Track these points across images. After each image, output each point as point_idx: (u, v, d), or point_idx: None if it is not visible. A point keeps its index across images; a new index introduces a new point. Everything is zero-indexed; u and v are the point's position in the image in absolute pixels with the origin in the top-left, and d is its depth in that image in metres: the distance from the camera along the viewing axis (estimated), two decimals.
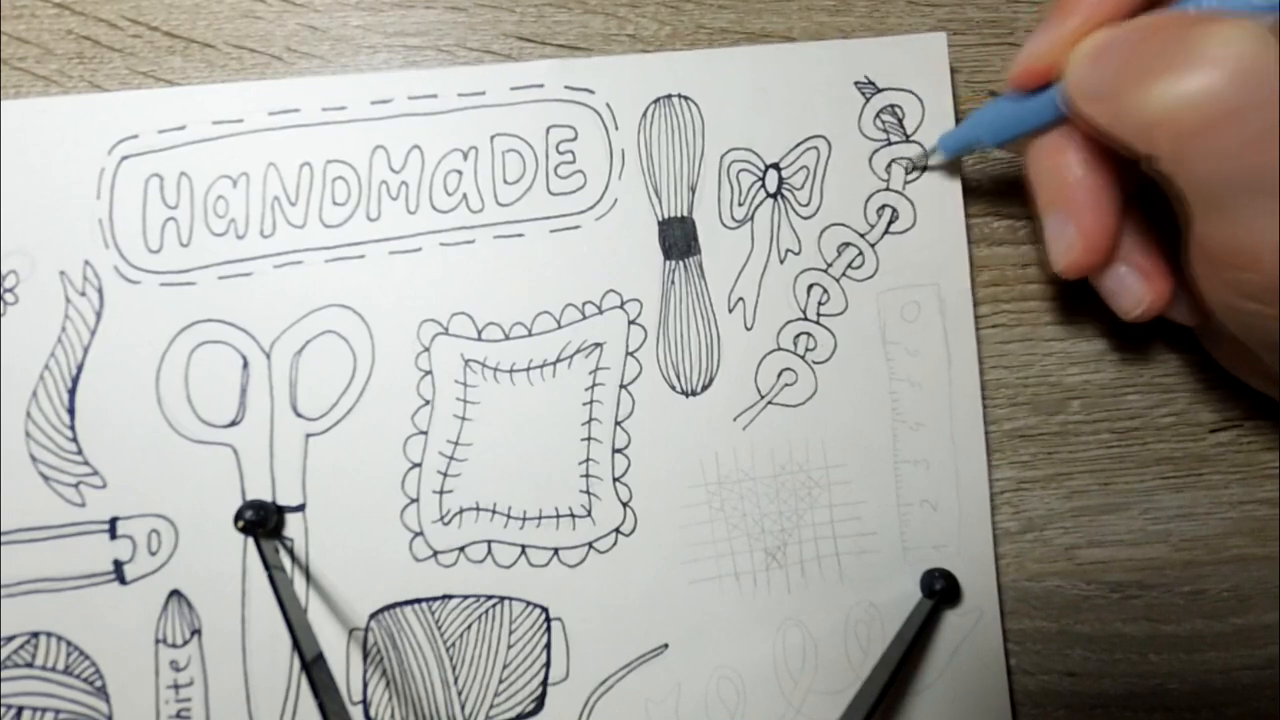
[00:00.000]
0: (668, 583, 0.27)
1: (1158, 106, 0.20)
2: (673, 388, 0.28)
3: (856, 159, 0.28)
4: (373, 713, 0.27)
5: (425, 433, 0.27)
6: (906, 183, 0.28)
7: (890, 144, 0.28)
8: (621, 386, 0.28)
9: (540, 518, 0.27)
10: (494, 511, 0.27)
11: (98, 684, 0.26)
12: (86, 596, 0.26)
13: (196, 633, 0.26)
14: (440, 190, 0.27)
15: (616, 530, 0.27)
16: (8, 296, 0.26)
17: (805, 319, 0.28)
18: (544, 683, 0.27)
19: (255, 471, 0.27)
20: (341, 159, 0.27)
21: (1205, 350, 0.28)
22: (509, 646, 0.27)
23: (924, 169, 0.28)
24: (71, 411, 0.26)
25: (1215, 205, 0.21)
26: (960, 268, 0.28)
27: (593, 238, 0.28)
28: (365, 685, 0.27)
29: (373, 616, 0.27)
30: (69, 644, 0.26)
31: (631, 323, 0.28)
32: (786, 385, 0.28)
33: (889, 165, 0.28)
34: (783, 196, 0.28)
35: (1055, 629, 0.28)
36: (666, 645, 0.27)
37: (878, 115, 0.28)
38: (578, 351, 0.28)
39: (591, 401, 0.27)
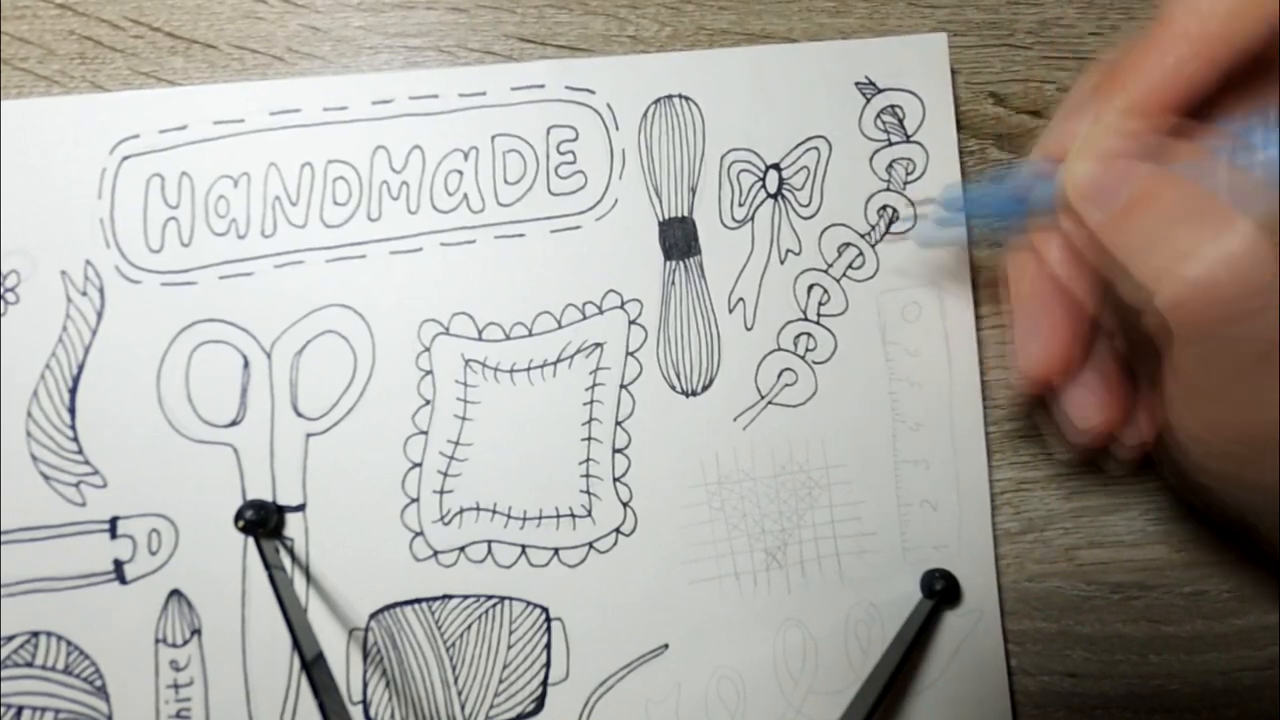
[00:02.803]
0: (668, 583, 0.27)
1: (1157, 273, 0.19)
2: (673, 388, 0.28)
3: (857, 159, 0.28)
4: (373, 713, 0.27)
5: (426, 432, 0.27)
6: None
7: (891, 144, 0.28)
8: (622, 386, 0.28)
9: (540, 518, 0.27)
10: (494, 511, 0.27)
11: (98, 684, 0.26)
12: (86, 596, 0.26)
13: (196, 633, 0.26)
14: (441, 190, 0.27)
15: (617, 530, 0.27)
16: (9, 296, 0.26)
17: (805, 319, 0.28)
18: (544, 683, 0.27)
19: (255, 471, 0.27)
20: (342, 159, 0.27)
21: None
22: (509, 646, 0.27)
23: (921, 204, 0.27)
24: (72, 411, 0.26)
25: (1209, 370, 0.20)
26: (961, 268, 0.28)
27: (593, 238, 0.28)
28: (365, 685, 0.27)
29: (373, 616, 0.27)
30: (69, 644, 0.26)
31: (632, 323, 0.28)
32: (786, 385, 0.28)
33: (889, 166, 0.28)
34: (783, 197, 0.28)
35: (1055, 630, 0.28)
36: (666, 645, 0.27)
37: (878, 116, 0.28)
38: (578, 351, 0.28)
39: (592, 401, 0.27)
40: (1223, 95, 0.21)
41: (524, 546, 0.27)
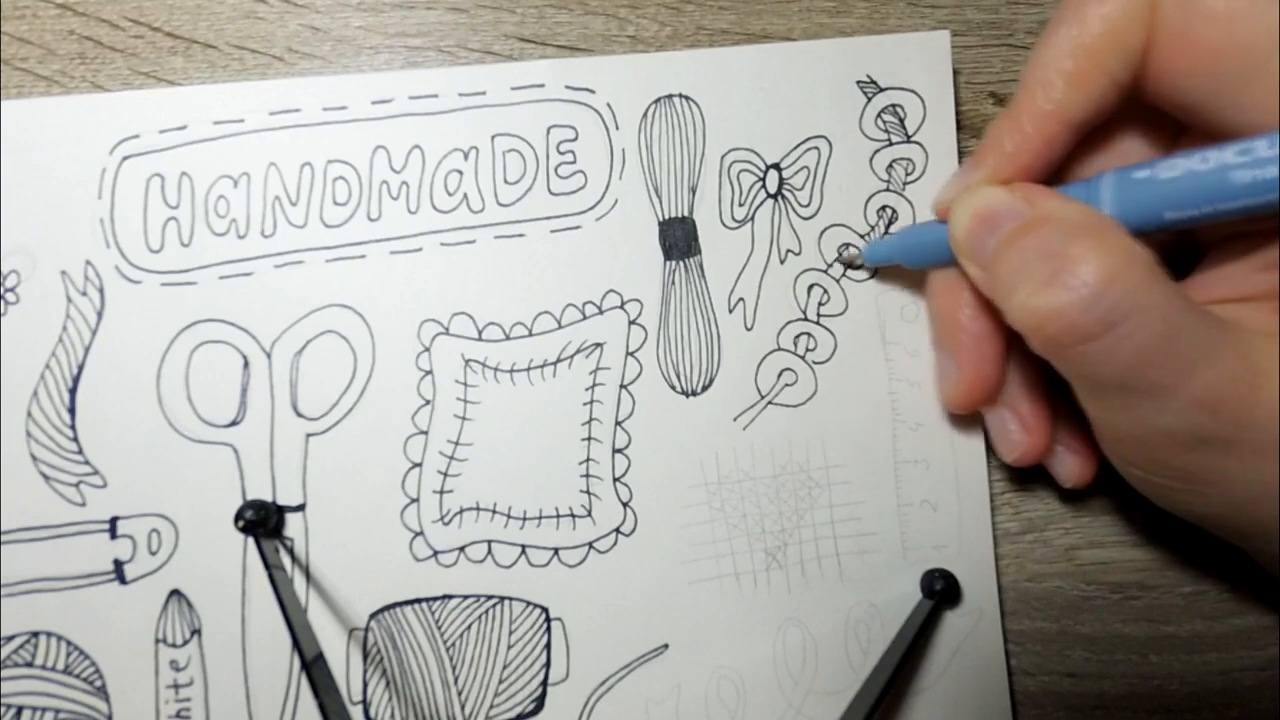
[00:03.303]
0: (668, 583, 0.27)
1: (1021, 308, 0.21)
2: (673, 388, 0.28)
3: (857, 159, 0.28)
4: (373, 713, 0.27)
5: (426, 432, 0.27)
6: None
7: (891, 144, 0.28)
8: (622, 386, 0.28)
9: (540, 518, 0.27)
10: (494, 511, 0.27)
11: (98, 684, 0.26)
12: (86, 596, 0.26)
13: (196, 633, 0.26)
14: (441, 190, 0.27)
15: (617, 530, 0.27)
16: (9, 296, 0.26)
17: (805, 319, 0.28)
18: (544, 683, 0.27)
19: (255, 471, 0.27)
20: (342, 159, 0.27)
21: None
22: (509, 646, 0.27)
23: (851, 267, 0.28)
24: (72, 411, 0.26)
25: (1094, 397, 0.21)
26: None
27: (593, 238, 0.28)
28: (365, 685, 0.27)
29: (373, 616, 0.27)
30: (69, 644, 0.26)
31: (632, 323, 0.28)
32: (786, 385, 0.28)
33: (889, 166, 0.28)
34: (783, 197, 0.28)
35: (1056, 630, 0.28)
36: (666, 645, 0.27)
37: (879, 115, 0.28)
38: (578, 351, 0.28)
39: (592, 401, 0.27)
40: (1080, 157, 0.24)
41: (524, 546, 0.27)
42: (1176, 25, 0.21)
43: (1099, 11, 0.22)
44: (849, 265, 0.28)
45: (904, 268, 0.27)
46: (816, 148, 0.28)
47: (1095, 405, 0.22)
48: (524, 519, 0.27)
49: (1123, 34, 0.21)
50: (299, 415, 0.27)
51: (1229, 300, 0.22)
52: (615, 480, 0.27)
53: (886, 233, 0.28)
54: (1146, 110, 0.23)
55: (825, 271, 0.28)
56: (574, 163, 0.28)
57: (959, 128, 0.28)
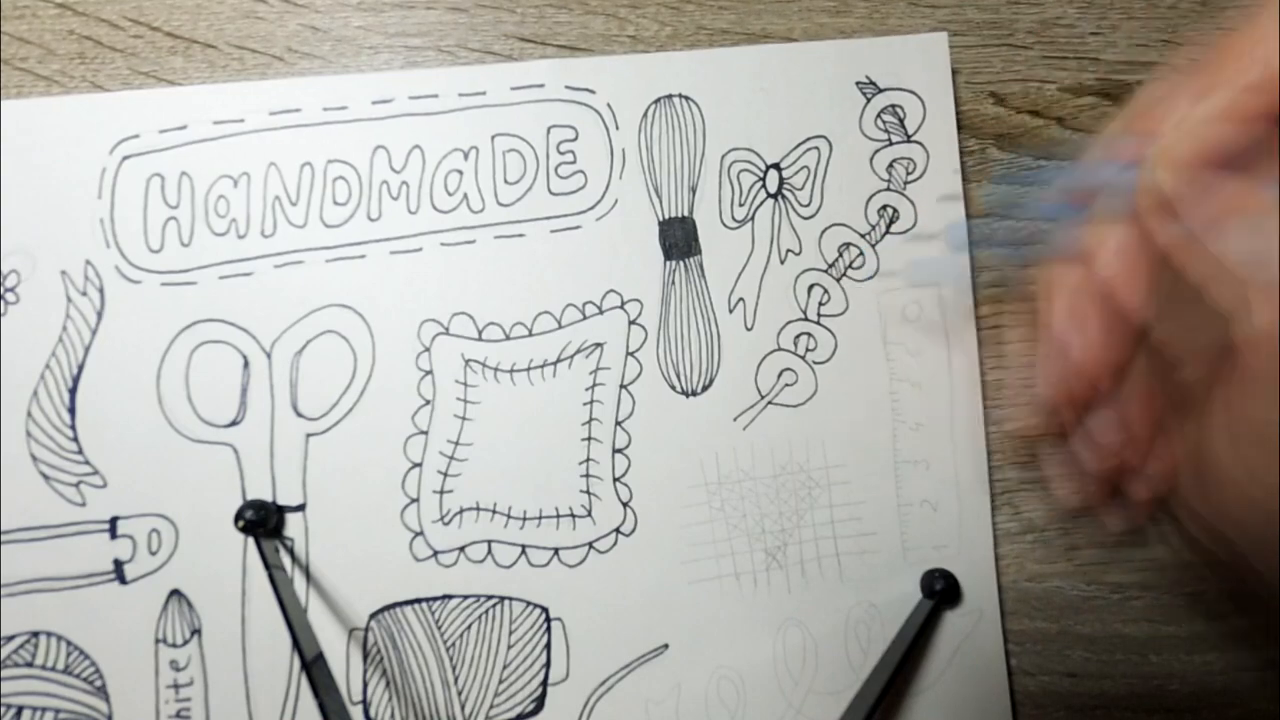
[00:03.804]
0: (668, 583, 0.27)
1: (1262, 309, 0.17)
2: (673, 388, 0.28)
3: (857, 159, 0.28)
4: (373, 713, 0.27)
5: (426, 433, 0.27)
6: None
7: (891, 144, 0.28)
8: (622, 386, 0.28)
9: (540, 518, 0.27)
10: (494, 511, 0.27)
11: (98, 684, 0.26)
12: (86, 596, 0.26)
13: (196, 633, 0.26)
14: (441, 190, 0.27)
15: (617, 530, 0.27)
16: (9, 296, 0.26)
17: (805, 319, 0.28)
18: (544, 683, 0.27)
19: (255, 471, 0.27)
20: (342, 159, 0.27)
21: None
22: (509, 646, 0.27)
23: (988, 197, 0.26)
24: (72, 411, 0.26)
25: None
26: (961, 268, 0.28)
27: (593, 238, 0.28)
28: (365, 685, 0.27)
29: (373, 616, 0.27)
30: (69, 644, 0.26)
31: (632, 323, 0.28)
32: (786, 385, 0.28)
33: (890, 166, 0.28)
34: (783, 197, 0.28)
35: (1056, 629, 0.28)
36: (666, 645, 0.27)
37: (879, 115, 0.28)
38: (578, 351, 0.28)
39: (592, 401, 0.27)
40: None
41: (524, 546, 0.27)
42: None
43: None
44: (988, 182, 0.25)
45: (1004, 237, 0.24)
46: (816, 148, 0.28)
47: (1258, 422, 0.18)
48: (524, 519, 0.27)
49: None
50: (299, 415, 0.27)
51: None
52: (615, 480, 0.27)
53: (888, 232, 0.28)
54: None
55: (825, 271, 0.28)
56: (574, 163, 0.28)
57: (959, 127, 0.28)
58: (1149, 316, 0.21)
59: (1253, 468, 0.20)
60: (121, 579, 0.26)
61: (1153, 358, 0.22)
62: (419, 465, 0.27)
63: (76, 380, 0.26)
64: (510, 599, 0.27)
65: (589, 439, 0.27)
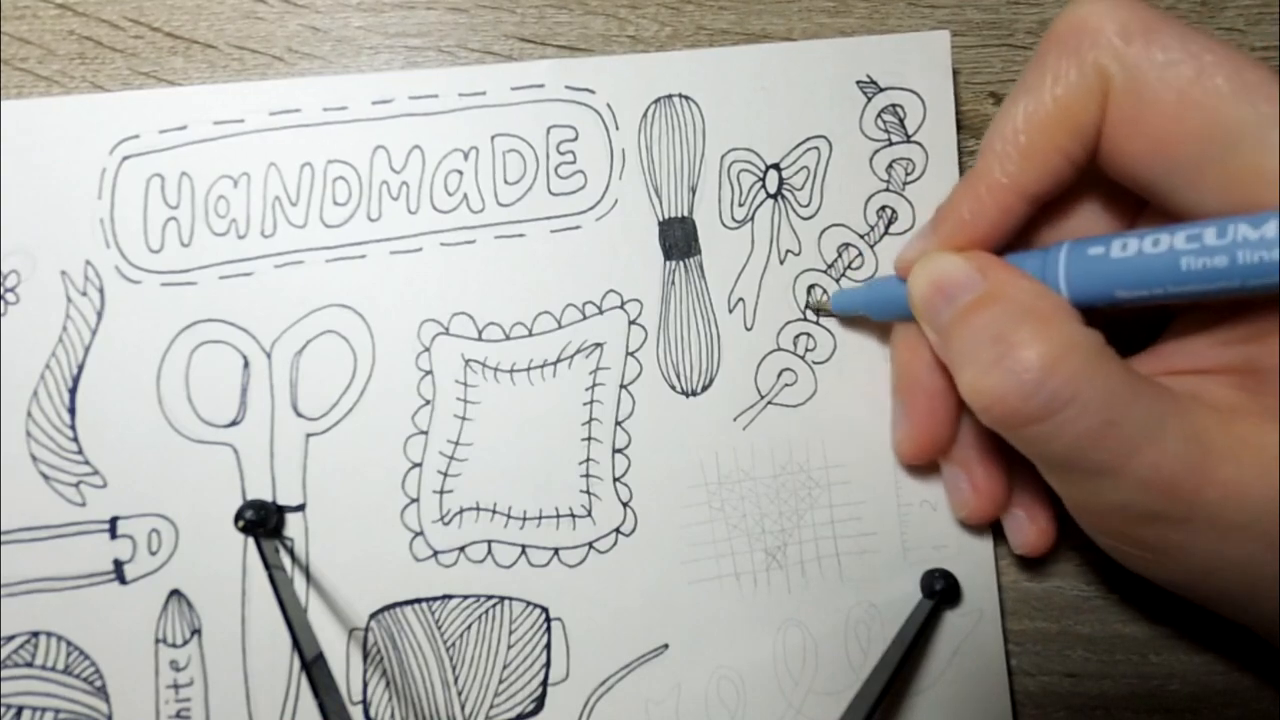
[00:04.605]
0: (668, 583, 0.27)
1: (969, 386, 0.21)
2: (673, 388, 0.28)
3: (857, 159, 0.28)
4: (373, 713, 0.27)
5: (426, 432, 0.27)
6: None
7: (891, 144, 0.28)
8: (622, 386, 0.28)
9: (540, 518, 0.27)
10: (494, 511, 0.27)
11: (98, 684, 0.26)
12: (86, 596, 0.26)
13: (196, 633, 0.26)
14: (441, 190, 0.27)
15: (617, 530, 0.27)
16: (9, 296, 0.26)
17: (805, 319, 0.28)
18: (544, 683, 0.27)
19: (255, 471, 0.27)
20: (342, 159, 0.27)
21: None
22: (509, 646, 0.27)
23: (818, 312, 0.28)
24: (72, 411, 0.26)
25: (1048, 471, 0.22)
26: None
27: (593, 238, 0.28)
28: (365, 685, 0.27)
29: (373, 616, 0.27)
30: (69, 644, 0.26)
31: (632, 323, 0.28)
32: (786, 385, 0.28)
33: (889, 166, 0.28)
34: (783, 197, 0.28)
35: (1056, 629, 0.28)
36: (666, 645, 0.27)
37: (879, 115, 0.28)
38: (578, 351, 0.28)
39: (592, 401, 0.27)
40: (1040, 225, 0.24)
41: (524, 546, 0.27)
42: (1128, 112, 0.21)
43: (1052, 90, 0.21)
44: (817, 310, 0.28)
45: (870, 319, 0.27)
46: (816, 148, 0.28)
47: (1051, 478, 0.22)
48: (524, 519, 0.27)
49: (1075, 114, 0.21)
50: (299, 415, 0.27)
51: (1190, 372, 0.22)
52: (615, 480, 0.27)
53: (887, 232, 0.28)
54: (1110, 180, 0.23)
55: (825, 271, 0.28)
56: (574, 163, 0.28)
57: (959, 128, 0.28)
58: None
59: (1101, 544, 0.23)
60: (121, 579, 0.26)
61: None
62: (419, 465, 0.27)
63: (76, 380, 0.26)
64: (510, 599, 0.27)
65: (589, 439, 0.27)
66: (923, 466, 0.28)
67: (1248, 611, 0.22)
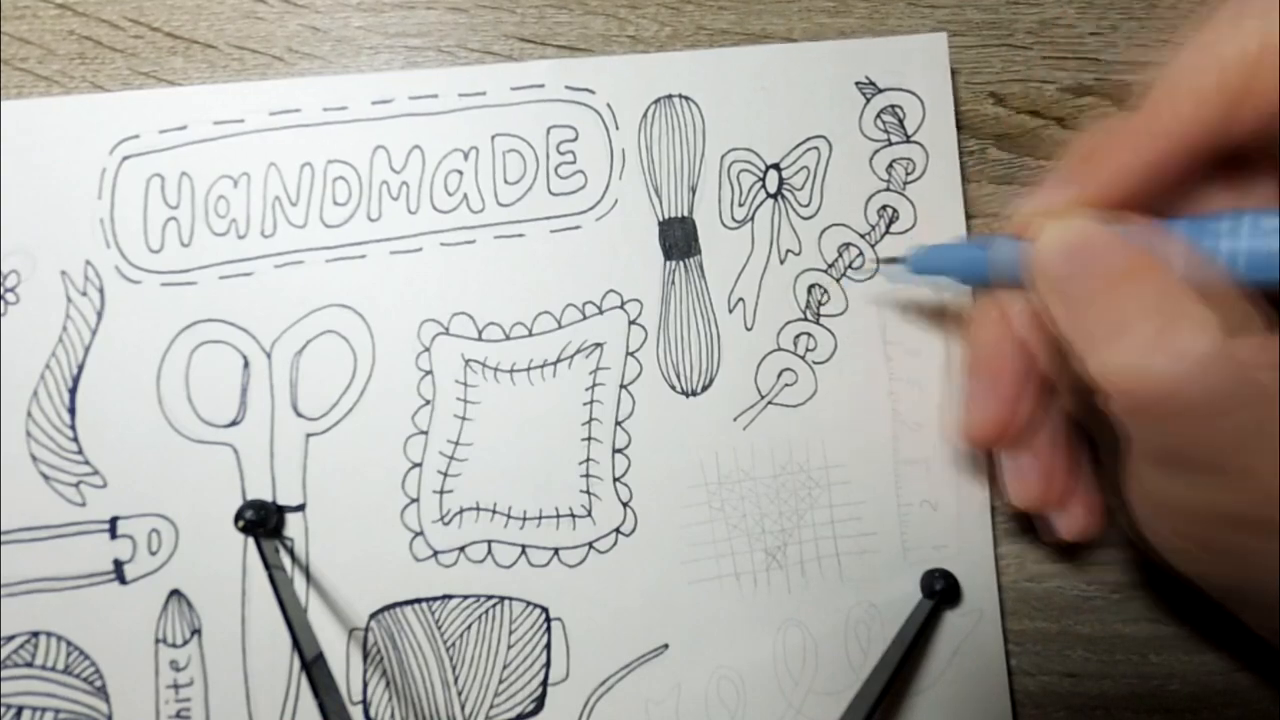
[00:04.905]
0: (668, 583, 0.27)
1: (1114, 366, 0.18)
2: (673, 388, 0.28)
3: (857, 159, 0.28)
4: (373, 713, 0.27)
5: (426, 432, 0.27)
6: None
7: (891, 144, 0.28)
8: (622, 386, 0.28)
9: (540, 518, 0.27)
10: (494, 511, 0.27)
11: (98, 684, 0.26)
12: (86, 596, 0.26)
13: (196, 633, 0.26)
14: (441, 190, 0.27)
15: (617, 530, 0.27)
16: (9, 296, 0.26)
17: (805, 319, 0.28)
18: (544, 683, 0.27)
19: (255, 471, 0.27)
20: (342, 159, 0.27)
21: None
22: (509, 646, 0.27)
23: (891, 268, 0.26)
24: (72, 411, 0.26)
25: (1155, 465, 0.20)
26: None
27: (593, 238, 0.28)
28: (365, 685, 0.27)
29: (373, 616, 0.27)
30: (69, 644, 0.26)
31: (632, 323, 0.28)
32: (786, 385, 0.28)
33: (889, 166, 0.28)
34: (783, 197, 0.28)
35: (1056, 629, 0.28)
36: (666, 645, 0.27)
37: (878, 116, 0.28)
38: (578, 351, 0.28)
39: (592, 401, 0.28)
40: (1204, 188, 0.21)
41: (524, 546, 0.27)
42: None
43: (1257, 26, 0.18)
44: (890, 262, 0.26)
45: (947, 281, 0.25)
46: (816, 148, 0.28)
47: (1151, 473, 0.20)
48: (524, 519, 0.27)
49: (1266, 65, 0.18)
50: (299, 415, 0.27)
51: None
52: (615, 480, 0.27)
53: (887, 232, 0.28)
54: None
55: (825, 271, 0.28)
56: (574, 163, 0.28)
57: (959, 127, 0.28)
58: (1059, 375, 0.22)
59: (1160, 540, 0.22)
60: (121, 579, 0.26)
61: (1070, 407, 0.23)
62: (419, 465, 0.27)
63: (76, 380, 0.26)
64: (510, 599, 0.27)
65: (589, 439, 0.27)
66: (921, 468, 0.28)
67: None
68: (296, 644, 0.23)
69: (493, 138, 0.27)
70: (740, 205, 0.28)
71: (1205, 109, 0.19)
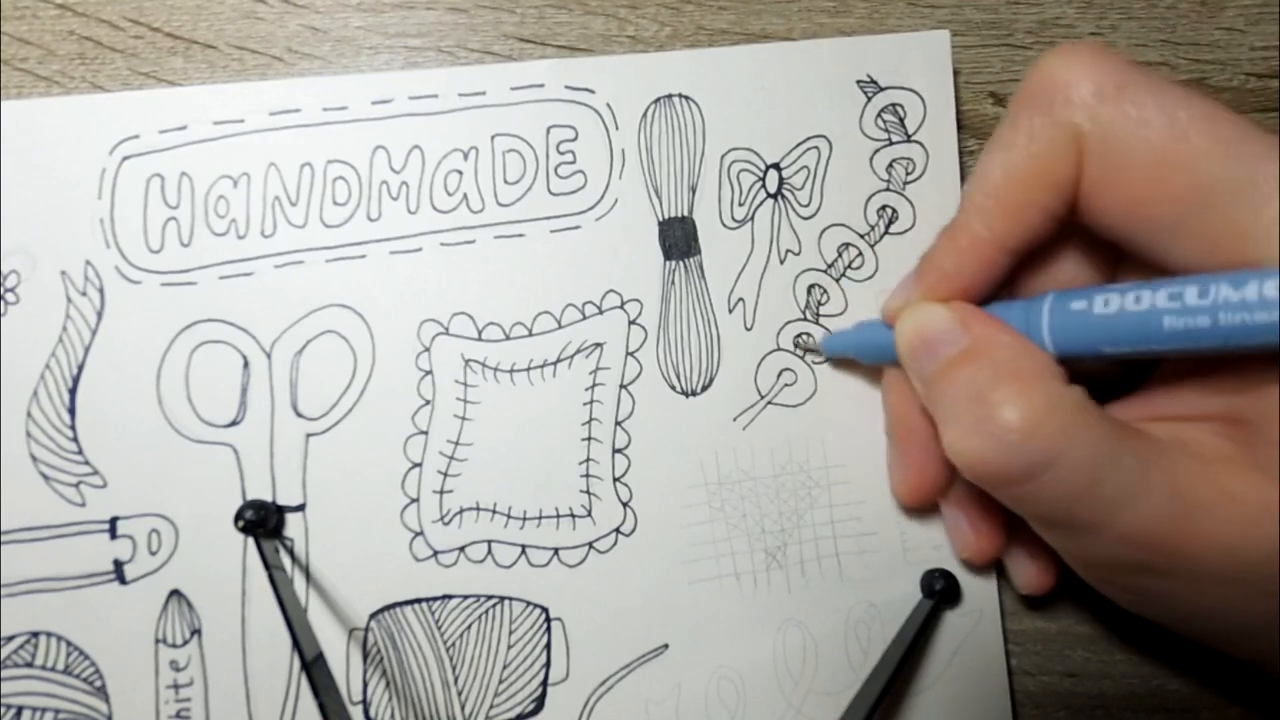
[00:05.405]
0: (668, 583, 0.27)
1: (953, 450, 0.21)
2: (673, 388, 0.28)
3: (857, 159, 0.28)
4: (373, 713, 0.27)
5: (425, 432, 0.27)
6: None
7: (891, 144, 0.28)
8: (622, 386, 0.28)
9: (540, 518, 0.27)
10: (494, 511, 0.27)
11: (98, 684, 0.26)
12: (86, 596, 0.26)
13: (196, 633, 0.26)
14: (441, 190, 0.27)
15: (617, 530, 0.27)
16: (9, 296, 0.26)
17: (805, 319, 0.28)
18: (544, 683, 0.27)
19: (255, 471, 0.27)
20: (342, 159, 0.27)
21: None
22: (509, 646, 0.27)
23: (809, 351, 0.28)
24: (72, 411, 0.26)
25: (1042, 525, 0.22)
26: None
27: (593, 238, 0.28)
28: (365, 685, 0.27)
29: (373, 616, 0.27)
30: (69, 644, 0.26)
31: (632, 323, 0.28)
32: (786, 385, 0.28)
33: (889, 166, 0.28)
34: (783, 197, 0.28)
35: (1056, 629, 0.28)
36: (666, 645, 0.27)
37: (879, 114, 0.28)
38: (578, 351, 0.28)
39: (592, 401, 0.27)
40: (1023, 272, 0.24)
41: (524, 546, 0.27)
42: (1104, 170, 0.20)
43: (1028, 147, 0.21)
44: (807, 350, 0.28)
45: (859, 362, 0.27)
46: (816, 147, 0.28)
47: (1038, 530, 0.22)
48: (524, 519, 0.27)
49: (1052, 171, 0.21)
50: (299, 415, 0.27)
51: (1176, 419, 0.21)
52: (615, 480, 0.27)
53: (887, 232, 0.28)
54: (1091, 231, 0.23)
55: (825, 271, 0.28)
56: (574, 163, 0.28)
57: (959, 127, 0.28)
58: None
59: (1096, 587, 0.23)
60: (121, 579, 0.26)
61: None
62: (419, 465, 0.27)
63: (76, 380, 0.26)
64: (510, 599, 0.27)
65: (589, 439, 0.27)
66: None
67: (1239, 648, 0.22)
68: (296, 644, 0.23)
69: (492, 138, 0.27)
70: (740, 205, 0.28)
71: (989, 219, 0.22)
